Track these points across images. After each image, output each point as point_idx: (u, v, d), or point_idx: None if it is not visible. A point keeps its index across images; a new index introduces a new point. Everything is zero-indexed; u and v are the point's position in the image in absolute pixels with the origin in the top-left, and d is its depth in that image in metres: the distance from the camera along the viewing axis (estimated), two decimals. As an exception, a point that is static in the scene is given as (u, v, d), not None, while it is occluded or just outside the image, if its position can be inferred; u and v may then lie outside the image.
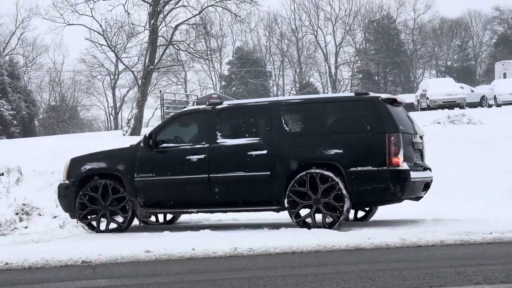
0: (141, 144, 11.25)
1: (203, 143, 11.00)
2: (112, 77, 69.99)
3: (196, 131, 11.46)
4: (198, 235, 10.19)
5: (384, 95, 10.90)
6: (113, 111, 72.44)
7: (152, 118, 64.76)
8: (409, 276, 6.47)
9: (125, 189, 11.14)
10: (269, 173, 10.58)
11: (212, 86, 75.49)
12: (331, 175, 10.26)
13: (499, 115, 20.97)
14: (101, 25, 36.24)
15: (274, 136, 10.68)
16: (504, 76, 42.67)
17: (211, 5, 32.14)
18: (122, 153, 11.52)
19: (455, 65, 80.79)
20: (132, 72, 40.58)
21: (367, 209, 11.85)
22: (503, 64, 45.28)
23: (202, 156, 10.89)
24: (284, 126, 10.70)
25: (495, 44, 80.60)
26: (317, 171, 10.33)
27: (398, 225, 10.75)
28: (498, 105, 34.02)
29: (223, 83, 77.00)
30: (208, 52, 41.33)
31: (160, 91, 41.52)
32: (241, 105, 11.45)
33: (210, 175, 10.81)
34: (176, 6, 32.04)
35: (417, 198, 11.24)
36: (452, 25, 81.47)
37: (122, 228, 11.24)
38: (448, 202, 12.43)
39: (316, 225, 10.35)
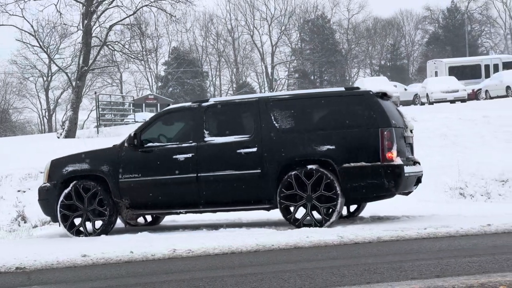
0: (126, 144, 10.94)
1: (190, 141, 10.76)
2: (45, 78, 68.33)
3: (183, 130, 11.17)
4: (136, 238, 10.07)
5: (374, 89, 10.84)
6: (46, 114, 70.88)
7: (88, 120, 63.69)
8: (347, 273, 6.53)
9: (109, 191, 10.82)
10: (259, 171, 10.40)
11: (149, 87, 74.80)
12: (324, 171, 10.12)
13: (431, 113, 21.40)
14: (32, 26, 35.29)
15: (263, 133, 10.49)
16: (436, 74, 43.65)
17: (146, 5, 31.76)
18: (105, 154, 11.16)
19: (388, 64, 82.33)
20: (66, 73, 39.76)
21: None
22: (434, 63, 46.30)
23: (190, 155, 10.65)
24: (274, 122, 10.51)
25: (426, 43, 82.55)
26: (309, 167, 10.19)
27: (336, 223, 10.86)
28: (431, 103, 34.82)
29: (160, 83, 76.36)
30: (144, 52, 40.85)
31: (95, 93, 40.83)
32: (228, 102, 11.15)
33: (198, 175, 10.58)
34: (110, 6, 31.53)
35: (408, 193, 11.19)
36: (385, 25, 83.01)
37: (106, 231, 10.85)
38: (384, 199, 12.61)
39: (315, 223, 10.19)
